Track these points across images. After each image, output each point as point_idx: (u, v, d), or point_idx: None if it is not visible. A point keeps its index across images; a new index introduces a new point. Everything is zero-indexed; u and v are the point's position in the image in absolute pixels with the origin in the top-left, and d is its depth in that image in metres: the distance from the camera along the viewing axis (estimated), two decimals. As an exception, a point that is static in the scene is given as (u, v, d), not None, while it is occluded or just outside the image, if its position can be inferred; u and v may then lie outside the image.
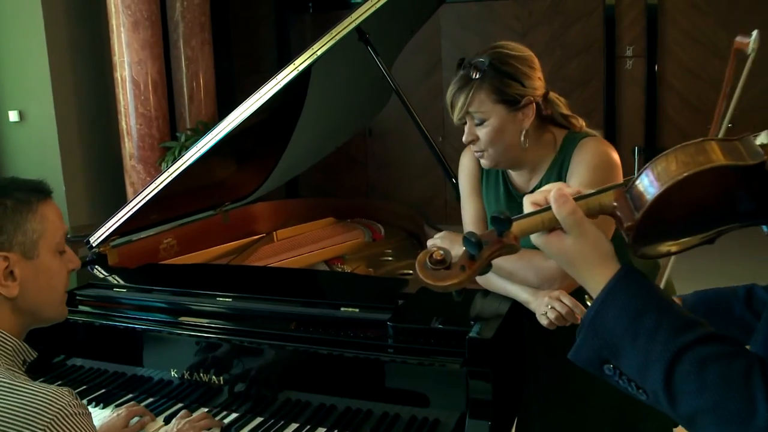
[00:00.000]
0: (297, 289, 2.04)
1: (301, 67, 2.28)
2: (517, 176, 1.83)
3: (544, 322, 1.64)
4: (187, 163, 2.34)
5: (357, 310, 1.79)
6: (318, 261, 2.68)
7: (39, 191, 1.24)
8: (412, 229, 3.16)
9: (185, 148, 4.85)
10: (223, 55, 6.13)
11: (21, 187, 1.23)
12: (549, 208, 0.94)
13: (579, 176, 1.69)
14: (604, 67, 6.65)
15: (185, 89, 5.31)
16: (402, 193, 7.16)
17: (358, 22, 2.22)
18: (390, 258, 2.74)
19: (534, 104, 1.71)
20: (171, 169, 2.41)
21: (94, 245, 2.53)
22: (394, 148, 7.13)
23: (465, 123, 1.73)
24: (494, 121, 1.67)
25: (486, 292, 1.87)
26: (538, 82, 1.71)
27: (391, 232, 3.09)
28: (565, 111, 1.82)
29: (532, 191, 1.82)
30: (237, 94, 6.83)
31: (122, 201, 5.12)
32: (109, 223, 2.46)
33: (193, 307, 1.92)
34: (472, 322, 1.62)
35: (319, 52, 2.25)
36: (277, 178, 3.22)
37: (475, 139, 1.71)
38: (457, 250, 1.79)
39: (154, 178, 2.50)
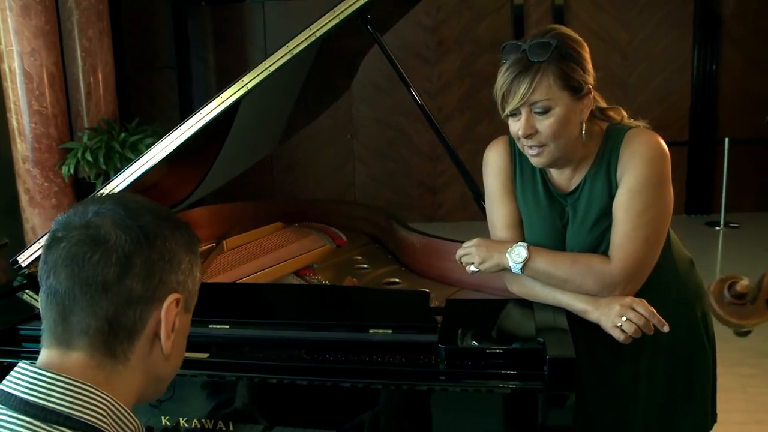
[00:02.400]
0: (303, 310, 1.78)
1: (272, 69, 2.05)
2: (557, 174, 1.66)
3: (618, 336, 1.48)
4: (136, 175, 2.09)
5: (390, 331, 1.56)
6: (288, 273, 2.41)
7: (194, 234, 0.96)
8: (371, 231, 2.95)
9: (89, 149, 4.37)
10: (114, 48, 5.61)
11: (186, 223, 0.94)
12: None
13: (635, 171, 1.55)
14: (513, 63, 6.67)
15: (82, 84, 4.79)
16: (309, 194, 6.89)
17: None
18: (365, 266, 2.52)
19: (592, 93, 1.55)
20: (116, 180, 2.15)
21: (23, 266, 2.16)
22: (299, 149, 6.85)
23: (515, 115, 1.54)
24: (560, 110, 1.49)
25: (519, 302, 1.70)
26: (592, 70, 1.56)
27: (352, 236, 2.86)
28: (603, 104, 1.67)
29: (575, 190, 1.67)
30: (131, 91, 6.31)
31: (14, 210, 4.55)
32: (42, 239, 2.09)
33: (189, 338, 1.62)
34: (541, 340, 1.43)
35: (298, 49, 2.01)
36: (212, 182, 2.91)
37: (533, 133, 1.52)
38: (496, 259, 1.61)
39: (104, 185, 2.17)
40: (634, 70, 6.66)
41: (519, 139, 1.56)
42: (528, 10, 6.61)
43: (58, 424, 0.80)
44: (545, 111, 1.49)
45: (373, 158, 7.04)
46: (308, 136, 6.65)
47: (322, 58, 2.50)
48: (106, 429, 0.83)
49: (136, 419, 0.88)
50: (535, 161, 1.57)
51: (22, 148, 4.39)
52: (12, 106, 4.36)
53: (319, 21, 2.01)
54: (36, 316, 1.78)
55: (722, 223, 6.25)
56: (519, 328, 1.57)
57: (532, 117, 1.51)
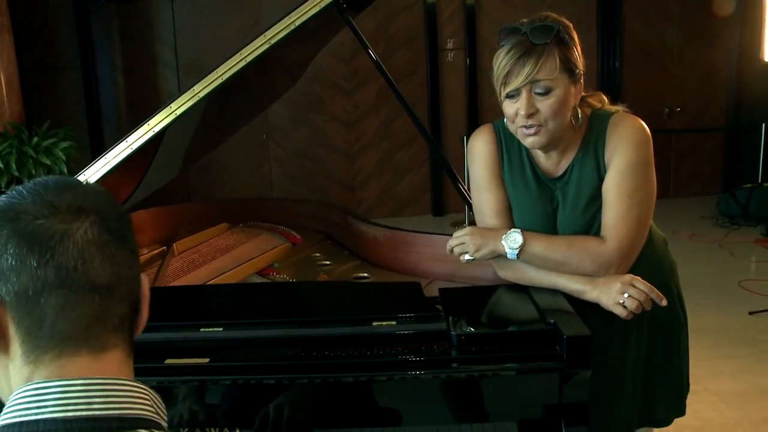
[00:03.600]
0: (294, 307, 1.72)
1: (201, 94, 2.01)
2: (544, 159, 1.69)
3: (621, 312, 1.53)
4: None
5: (394, 323, 1.54)
6: (250, 273, 2.35)
7: None
8: (321, 228, 2.91)
9: (-2, 154, 4.09)
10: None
11: None
12: None
13: (623, 154, 1.60)
14: (427, 59, 6.76)
15: (-18, 85, 4.48)
16: (226, 195, 6.72)
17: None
18: (327, 262, 2.48)
19: (582, 79, 1.59)
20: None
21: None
22: (213, 151, 6.65)
23: (512, 97, 1.56)
24: (560, 91, 1.53)
25: (512, 287, 1.72)
26: (582, 56, 1.60)
27: (304, 234, 2.82)
28: (583, 92, 1.72)
29: (563, 175, 1.71)
30: (33, 93, 5.93)
31: None
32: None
33: (180, 343, 1.53)
34: (551, 321, 1.45)
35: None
36: (148, 185, 2.80)
37: (534, 112, 1.54)
38: (492, 246, 1.62)
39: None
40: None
41: (514, 120, 1.58)
42: (440, 8, 6.70)
43: (112, 431, 0.70)
44: (546, 91, 1.53)
45: (290, 158, 6.95)
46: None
47: (264, 69, 2.43)
48: (155, 417, 0.75)
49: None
50: (530, 141, 1.59)
51: None
52: None
53: (250, 45, 1.94)
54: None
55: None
56: (521, 312, 1.59)
57: (532, 97, 1.53)
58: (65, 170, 3.95)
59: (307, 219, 2.97)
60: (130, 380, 0.76)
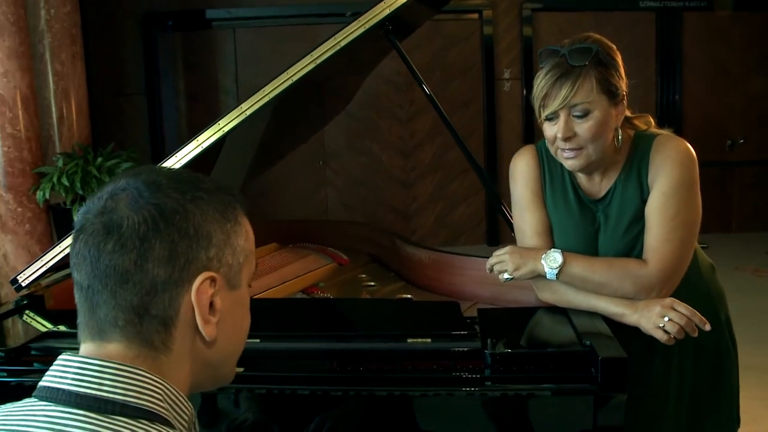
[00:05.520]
0: (331, 321, 1.74)
1: (248, 112, 2.04)
2: (586, 181, 1.68)
3: (661, 336, 1.49)
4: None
5: (429, 340, 1.54)
6: (294, 291, 2.38)
7: (237, 197, 0.87)
8: (369, 250, 2.93)
9: (65, 174, 4.26)
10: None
11: (221, 187, 0.85)
12: None
13: (667, 175, 1.57)
14: (484, 89, 6.77)
15: (54, 108, 4.69)
16: (284, 218, 6.83)
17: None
18: (372, 283, 2.49)
19: (625, 100, 1.57)
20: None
21: (24, 285, 2.08)
22: (272, 174, 6.77)
23: (551, 119, 1.55)
24: (598, 113, 1.51)
25: (551, 310, 1.70)
26: (625, 77, 1.59)
27: (351, 255, 2.84)
28: (629, 113, 1.70)
29: (605, 196, 1.69)
30: (100, 117, 6.18)
31: (-16, 236, 4.39)
32: (45, 257, 2.03)
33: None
34: (587, 343, 1.43)
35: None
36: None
37: (572, 136, 1.53)
38: (531, 265, 1.61)
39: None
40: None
41: (554, 142, 1.57)
42: (497, 38, 6.73)
43: (114, 414, 0.73)
44: (584, 114, 1.51)
45: (346, 184, 7.03)
46: (281, 162, 6.61)
47: (304, 95, 2.47)
48: (165, 414, 0.77)
49: (190, 405, 0.82)
50: (570, 164, 1.58)
51: (-7, 172, 4.27)
52: (-16, 129, 4.24)
53: (304, 59, 1.97)
54: (49, 335, 1.72)
55: (690, 244, 6.39)
56: (557, 333, 1.56)
57: (570, 120, 1.52)
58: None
59: (356, 241, 3.00)
60: (147, 372, 0.78)
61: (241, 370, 1.49)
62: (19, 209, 4.27)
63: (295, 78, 1.89)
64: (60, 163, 4.34)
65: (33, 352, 1.64)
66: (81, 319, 0.81)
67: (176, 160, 2.00)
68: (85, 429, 0.72)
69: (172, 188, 0.81)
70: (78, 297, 0.81)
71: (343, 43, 1.86)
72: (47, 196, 4.21)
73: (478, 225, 7.03)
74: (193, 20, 6.69)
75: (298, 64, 1.92)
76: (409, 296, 2.29)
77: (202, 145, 1.99)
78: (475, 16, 6.77)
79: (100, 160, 4.37)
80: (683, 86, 6.78)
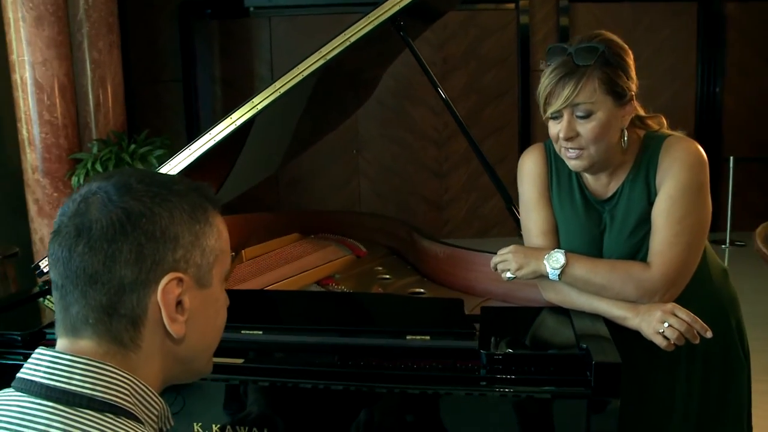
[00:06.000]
0: (333, 316, 1.76)
1: (282, 90, 2.04)
2: (593, 180, 1.66)
3: (660, 342, 1.47)
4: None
5: (427, 337, 1.54)
6: (310, 282, 2.40)
7: (210, 197, 0.90)
8: (389, 242, 2.94)
9: (99, 160, 4.36)
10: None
11: (195, 188, 0.89)
12: None
13: (675, 177, 1.54)
14: (519, 80, 6.71)
15: (91, 96, 4.77)
16: (316, 207, 6.88)
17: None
18: (387, 276, 2.50)
19: (634, 101, 1.55)
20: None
21: (45, 271, 2.14)
22: (305, 163, 6.84)
23: (556, 118, 1.54)
24: (602, 114, 1.49)
25: (554, 310, 1.69)
26: (635, 78, 1.57)
27: (371, 247, 2.85)
28: (642, 112, 1.67)
29: (612, 197, 1.67)
30: (137, 104, 6.30)
31: (23, 218, 4.51)
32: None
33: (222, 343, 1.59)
34: (583, 346, 1.42)
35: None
36: (227, 193, 2.91)
37: (574, 136, 1.52)
38: (534, 265, 1.60)
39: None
40: (639, 88, 6.68)
41: (557, 141, 1.56)
42: (533, 28, 6.64)
43: (81, 407, 0.78)
44: (587, 115, 1.50)
45: (379, 174, 7.04)
46: (314, 150, 6.63)
47: (341, 78, 2.49)
48: (131, 409, 0.81)
49: (161, 400, 0.85)
50: (573, 164, 1.57)
51: (31, 158, 4.37)
52: (22, 116, 4.34)
53: (331, 43, 1.98)
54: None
55: (728, 241, 6.25)
56: (557, 335, 1.55)
57: (573, 120, 1.51)
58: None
59: (376, 233, 3.00)
60: (115, 368, 0.81)
61: (240, 361, 1.53)
62: (56, 194, 4.38)
63: (329, 56, 1.91)
64: (95, 150, 4.43)
65: (47, 337, 1.70)
66: (57, 316, 0.86)
67: (209, 138, 2.01)
68: (53, 420, 0.76)
69: (142, 191, 0.84)
70: (54, 295, 0.85)
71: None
72: (82, 181, 4.30)
73: (509, 217, 6.96)
74: (231, 8, 6.76)
75: (331, 42, 1.94)
76: (422, 291, 2.30)
77: (236, 122, 2.01)
78: (512, 6, 6.70)
79: (133, 146, 4.45)
80: (725, 79, 6.62)
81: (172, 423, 0.89)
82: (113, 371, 0.81)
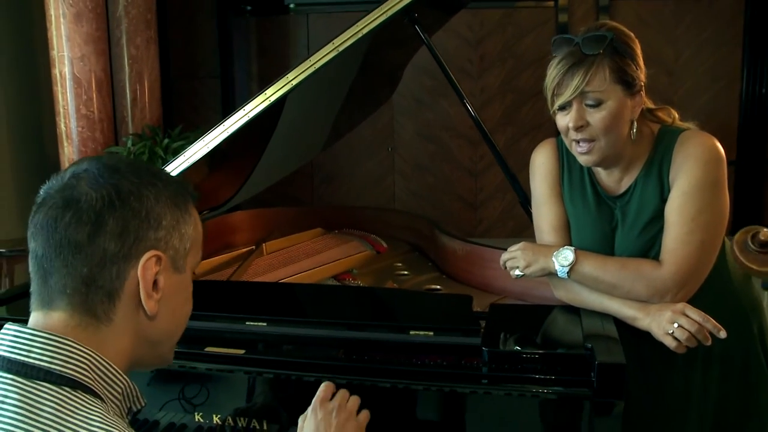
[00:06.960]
0: (343, 310, 1.75)
1: (318, 65, 2.05)
2: (606, 176, 1.62)
3: (670, 344, 1.42)
4: (176, 172, 2.07)
5: (431, 333, 1.52)
6: (326, 276, 2.40)
7: (189, 190, 0.96)
8: (412, 239, 2.93)
9: (132, 154, 4.43)
10: (160, 56, 5.69)
11: (177, 180, 0.94)
12: None
13: (689, 173, 1.50)
14: (557, 79, 6.60)
15: (128, 91, 4.86)
16: (350, 204, 6.88)
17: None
18: (406, 272, 2.49)
19: (643, 91, 1.51)
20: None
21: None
22: (340, 159, 6.85)
23: (563, 109, 1.51)
24: (612, 103, 1.46)
25: (565, 309, 1.65)
26: (644, 67, 1.52)
27: (393, 244, 2.85)
28: (651, 104, 1.63)
29: (625, 193, 1.62)
30: (175, 99, 6.38)
31: (59, 211, 4.61)
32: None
33: (226, 334, 1.60)
34: (589, 346, 1.38)
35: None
36: (253, 186, 2.92)
37: (584, 125, 1.48)
38: (542, 263, 1.57)
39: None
40: (680, 88, 6.52)
41: (567, 134, 1.53)
42: (573, 26, 6.53)
43: (38, 379, 0.80)
44: (597, 104, 1.46)
45: (414, 172, 7.00)
46: (349, 146, 6.67)
47: (365, 65, 2.48)
48: (90, 384, 0.82)
49: (126, 378, 0.87)
50: (584, 159, 1.53)
51: (68, 151, 4.47)
52: (61, 110, 4.44)
53: (364, 19, 1.99)
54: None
55: (770, 245, 6.07)
56: (565, 334, 1.52)
57: (583, 109, 1.48)
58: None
59: (400, 230, 3.00)
60: (75, 342, 0.84)
61: (242, 352, 1.53)
62: (91, 186, 4.47)
63: (364, 31, 1.94)
64: (129, 144, 4.51)
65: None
66: (33, 287, 0.88)
67: (243, 114, 2.00)
68: (9, 391, 0.79)
69: (130, 173, 0.88)
70: (32, 265, 0.88)
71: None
72: (116, 175, 4.37)
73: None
74: (271, 5, 6.81)
75: (363, 19, 2.00)
76: (438, 287, 2.28)
77: (269, 98, 2.01)
78: (551, 3, 6.59)
79: (166, 141, 4.51)
80: (770, 78, 6.42)
81: (144, 402, 0.91)
82: (73, 346, 0.83)
